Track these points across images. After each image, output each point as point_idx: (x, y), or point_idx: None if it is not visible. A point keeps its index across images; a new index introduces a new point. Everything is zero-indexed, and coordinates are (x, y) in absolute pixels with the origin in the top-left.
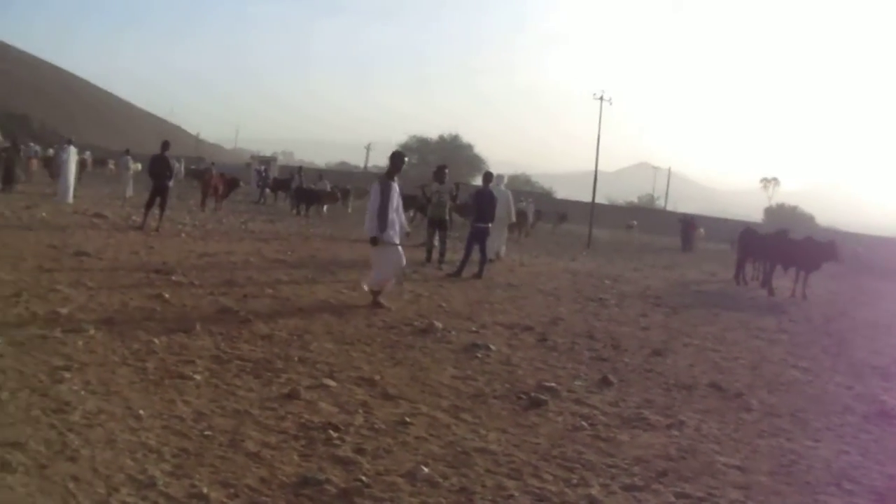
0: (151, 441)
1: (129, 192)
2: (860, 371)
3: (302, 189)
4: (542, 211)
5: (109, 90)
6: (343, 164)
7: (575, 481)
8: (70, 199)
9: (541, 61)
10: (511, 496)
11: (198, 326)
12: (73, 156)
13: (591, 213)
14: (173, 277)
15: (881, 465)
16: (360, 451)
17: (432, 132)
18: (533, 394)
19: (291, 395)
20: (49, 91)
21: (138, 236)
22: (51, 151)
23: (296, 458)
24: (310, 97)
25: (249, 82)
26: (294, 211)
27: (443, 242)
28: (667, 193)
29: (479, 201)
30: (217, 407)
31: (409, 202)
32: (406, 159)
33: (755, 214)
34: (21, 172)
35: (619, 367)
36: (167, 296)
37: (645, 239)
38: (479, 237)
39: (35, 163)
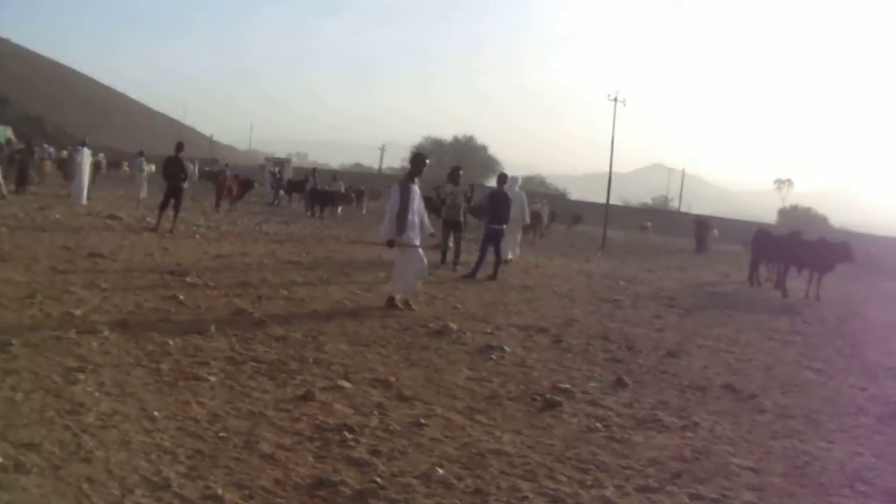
0: (166, 442)
1: (144, 193)
2: (874, 372)
3: (316, 190)
4: (556, 212)
5: (124, 92)
6: (357, 165)
7: (589, 483)
8: (84, 200)
9: (555, 62)
10: (526, 497)
11: (212, 328)
12: (87, 157)
13: (606, 214)
14: (188, 279)
15: (895, 467)
16: (375, 452)
17: (447, 133)
18: (548, 395)
19: (306, 397)
20: (63, 93)
21: (152, 238)
22: (65, 153)
23: (310, 459)
24: (324, 98)
25: (264, 83)
26: (308, 212)
27: (457, 244)
28: (681, 195)
29: (493, 203)
30: (232, 408)
31: (424, 203)
32: (427, 161)
33: (769, 215)
34: (35, 174)
35: (633, 369)
36: (182, 297)
37: (659, 240)
38: (493, 239)
39: (49, 164)
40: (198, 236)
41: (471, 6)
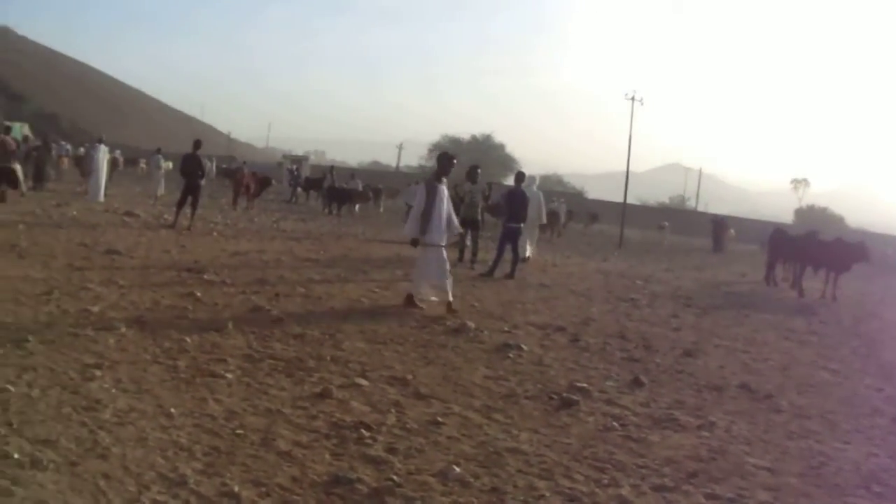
0: (183, 439)
1: (161, 190)
2: (890, 373)
3: (334, 188)
4: (573, 211)
5: (141, 89)
6: (375, 163)
7: (606, 482)
8: (101, 197)
9: (573, 61)
10: (542, 496)
11: (230, 325)
12: (104, 154)
13: (623, 213)
14: (205, 276)
15: None
16: (391, 450)
17: (464, 132)
18: (564, 394)
19: (323, 395)
20: (80, 90)
21: (170, 235)
22: (82, 150)
23: (327, 457)
24: (343, 96)
25: (282, 81)
26: (326, 210)
27: (475, 242)
28: (698, 194)
29: (511, 201)
30: (249, 406)
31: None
32: (454, 161)
33: (785, 215)
34: (52, 171)
35: (650, 368)
36: (199, 294)
37: (676, 240)
38: (511, 237)
39: (66, 161)
40: (215, 233)
41: (489, 5)
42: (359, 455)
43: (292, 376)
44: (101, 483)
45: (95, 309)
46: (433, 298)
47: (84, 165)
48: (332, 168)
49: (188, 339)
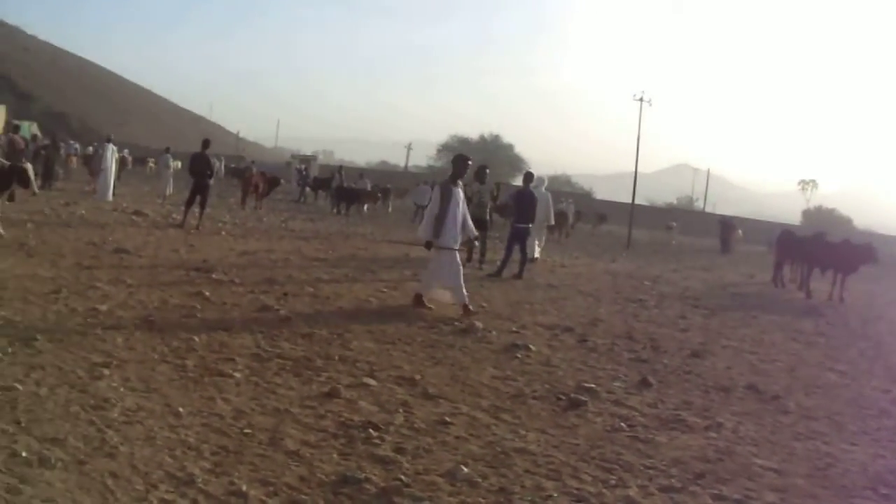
0: (191, 438)
1: (169, 189)
2: None
3: (342, 188)
4: (581, 212)
5: (150, 88)
6: (383, 163)
7: (613, 482)
8: (110, 196)
9: (581, 62)
10: (550, 497)
11: (238, 324)
12: (112, 153)
13: (631, 214)
14: (213, 275)
15: None
16: (399, 450)
17: (473, 132)
18: (572, 394)
19: (331, 394)
20: (88, 89)
21: (178, 234)
22: (90, 149)
23: (335, 456)
24: (351, 96)
25: (290, 81)
26: (334, 210)
27: (483, 243)
28: (705, 195)
29: (519, 202)
30: (257, 405)
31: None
32: (470, 162)
33: (793, 216)
34: (60, 170)
35: (657, 369)
36: (207, 294)
37: (684, 240)
38: (519, 237)
39: (74, 160)
40: (224, 233)
41: (496, 6)
42: (367, 455)
43: (300, 376)
44: (109, 482)
45: (104, 308)
46: (446, 300)
47: (93, 164)
48: (340, 168)
49: (196, 339)
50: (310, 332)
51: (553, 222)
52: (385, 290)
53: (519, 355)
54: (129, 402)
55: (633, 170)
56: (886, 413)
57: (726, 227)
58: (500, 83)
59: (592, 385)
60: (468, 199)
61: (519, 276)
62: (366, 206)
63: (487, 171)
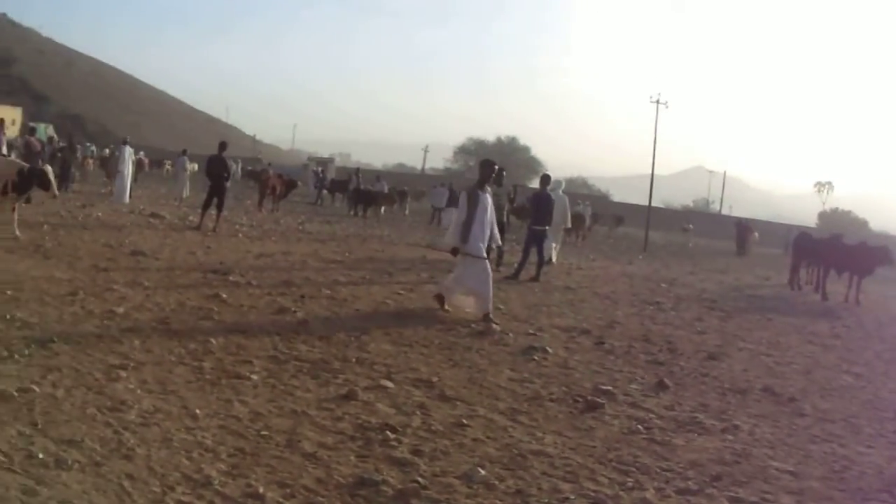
0: (208, 440)
1: (186, 192)
2: None
3: (359, 190)
4: (598, 214)
5: (166, 90)
6: (400, 165)
7: (630, 485)
8: (126, 199)
9: (598, 64)
10: (567, 499)
11: (255, 327)
12: (129, 156)
13: (648, 216)
14: (230, 277)
15: None
16: (417, 452)
17: (489, 134)
18: (589, 397)
19: (349, 396)
20: (105, 91)
21: (195, 236)
22: (107, 151)
23: (352, 458)
24: (368, 99)
25: (307, 83)
26: (351, 212)
27: (500, 245)
28: (722, 197)
29: (536, 204)
30: (274, 407)
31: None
32: (496, 167)
33: (809, 219)
34: (77, 172)
35: (674, 371)
36: (224, 296)
37: (700, 242)
38: (536, 240)
39: (91, 162)
40: (240, 235)
41: (509, 8)
42: (384, 457)
43: (318, 378)
44: (126, 484)
45: (121, 310)
46: (468, 309)
47: (110, 167)
48: (357, 170)
49: (213, 341)
50: (327, 334)
51: (570, 225)
52: (402, 292)
53: (536, 357)
54: (145, 404)
55: (650, 172)
56: None
57: (742, 230)
58: (517, 85)
59: (609, 387)
60: None
61: (536, 278)
62: (383, 209)
63: (504, 173)
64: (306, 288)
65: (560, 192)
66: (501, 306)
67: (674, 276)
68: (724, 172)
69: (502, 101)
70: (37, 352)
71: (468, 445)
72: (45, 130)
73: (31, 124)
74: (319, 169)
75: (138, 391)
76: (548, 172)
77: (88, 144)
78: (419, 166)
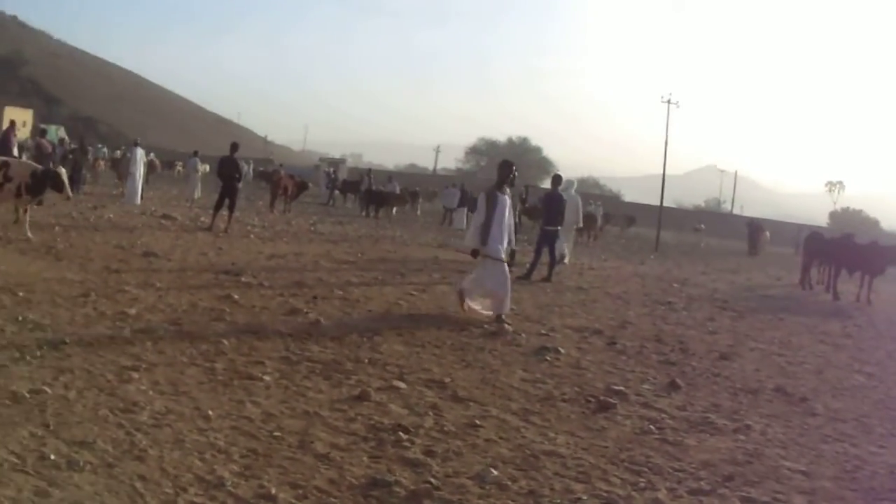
0: (220, 441)
1: (197, 193)
2: None
3: (371, 191)
4: (610, 214)
5: (178, 92)
6: (412, 166)
7: (642, 485)
8: (138, 200)
9: (609, 64)
10: (579, 499)
11: (267, 328)
12: (140, 157)
13: (659, 216)
14: (242, 278)
15: None
16: (429, 453)
17: (501, 135)
18: (602, 397)
19: (361, 397)
20: (116, 93)
21: (207, 237)
22: (118, 153)
23: (365, 459)
24: (379, 99)
25: (318, 84)
26: (363, 213)
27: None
28: (733, 197)
29: (548, 204)
30: (286, 408)
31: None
32: (515, 168)
33: (820, 218)
34: (88, 174)
35: (686, 371)
36: (236, 297)
37: (712, 242)
38: (548, 240)
39: (102, 164)
40: (252, 236)
41: (520, 9)
42: (396, 458)
43: (330, 379)
44: (138, 485)
45: (132, 311)
46: (485, 311)
47: (121, 168)
48: (369, 171)
49: (225, 342)
50: (339, 335)
51: (582, 224)
52: (414, 293)
53: (548, 358)
54: (158, 406)
55: (662, 172)
56: None
57: (754, 229)
58: (528, 86)
59: (621, 387)
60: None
61: (548, 278)
62: (394, 210)
63: (516, 173)
64: (318, 289)
65: (572, 191)
66: (514, 307)
67: (685, 275)
68: (736, 172)
69: (513, 102)
70: (49, 353)
71: (481, 446)
72: (56, 132)
73: (42, 126)
74: (331, 170)
75: (150, 392)
76: (559, 173)
77: (100, 146)
78: (431, 167)
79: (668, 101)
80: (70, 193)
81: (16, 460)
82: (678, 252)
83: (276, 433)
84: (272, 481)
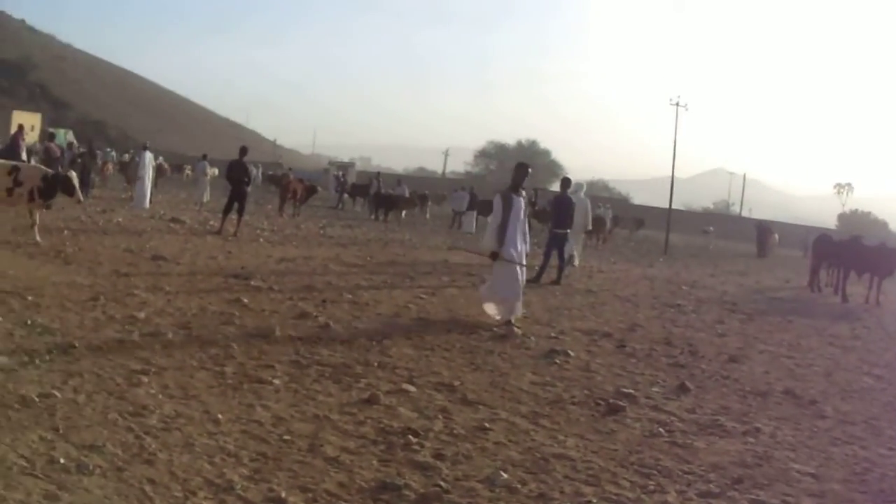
0: (229, 445)
1: (206, 197)
2: None
3: (380, 195)
4: (619, 217)
5: (186, 96)
6: (421, 169)
7: (652, 488)
8: (147, 204)
9: (617, 67)
10: (589, 502)
11: (277, 331)
12: (149, 161)
13: (668, 218)
14: (252, 282)
15: None
16: (439, 456)
17: (510, 138)
18: (611, 400)
19: (371, 400)
20: (125, 97)
21: (216, 241)
22: (126, 157)
23: (375, 463)
24: (388, 103)
25: (327, 89)
26: (372, 216)
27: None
28: (742, 199)
29: (557, 207)
30: (296, 411)
31: (487, 207)
32: (530, 170)
33: (829, 220)
34: (96, 177)
35: (696, 374)
36: (246, 300)
37: (720, 245)
38: (557, 243)
39: (110, 168)
40: (261, 240)
41: (530, 10)
42: (406, 461)
43: (340, 382)
44: (148, 488)
45: (142, 315)
46: (497, 317)
47: (130, 172)
48: (378, 174)
49: (235, 346)
50: (349, 338)
51: (591, 227)
52: (424, 296)
53: (558, 361)
54: (167, 409)
55: (670, 175)
56: None
57: (763, 232)
58: (536, 90)
59: (631, 390)
60: None
61: (557, 281)
62: (404, 213)
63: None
64: (328, 292)
65: (582, 194)
66: (523, 310)
67: (694, 278)
68: (744, 174)
69: (522, 105)
70: (58, 357)
71: (490, 449)
72: (65, 136)
73: (51, 130)
74: (340, 173)
75: (160, 396)
76: (568, 175)
77: (108, 150)
78: (440, 170)
79: (677, 104)
80: (81, 197)
81: (25, 464)
82: (687, 254)
83: (286, 437)
84: (282, 485)
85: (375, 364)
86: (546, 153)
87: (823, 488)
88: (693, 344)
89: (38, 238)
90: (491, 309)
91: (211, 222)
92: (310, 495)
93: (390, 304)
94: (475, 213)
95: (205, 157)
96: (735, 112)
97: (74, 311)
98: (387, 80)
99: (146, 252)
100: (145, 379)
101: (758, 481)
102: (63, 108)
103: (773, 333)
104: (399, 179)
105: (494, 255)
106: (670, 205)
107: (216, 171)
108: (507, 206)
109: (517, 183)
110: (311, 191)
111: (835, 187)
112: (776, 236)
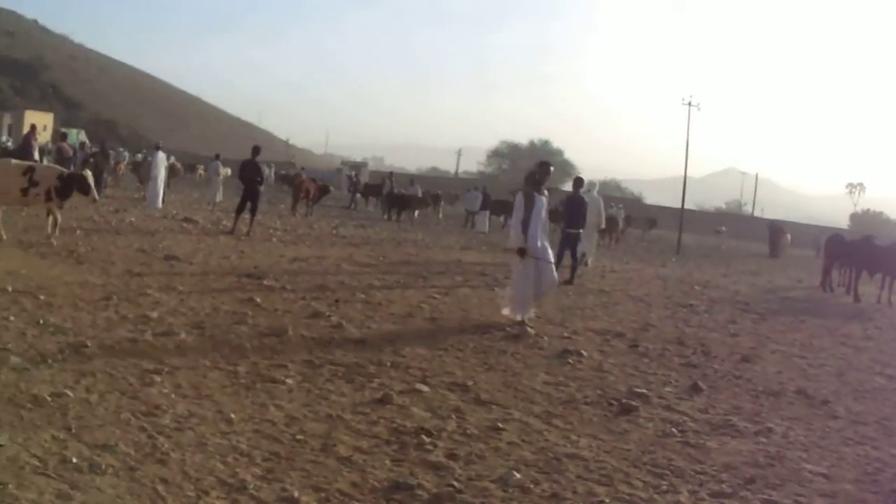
0: (242, 445)
1: (219, 196)
2: None
3: (393, 194)
4: (631, 217)
5: (199, 96)
6: (434, 169)
7: (664, 488)
8: (159, 204)
9: (631, 66)
10: (602, 502)
11: (289, 331)
12: (161, 161)
13: (681, 218)
14: (265, 282)
15: None
16: (452, 456)
17: (522, 138)
18: (624, 400)
19: (384, 400)
20: (137, 97)
21: (229, 241)
22: (139, 156)
23: (388, 462)
24: (400, 102)
25: (340, 88)
26: (385, 216)
27: None
28: (754, 199)
29: (570, 207)
30: (309, 411)
31: (500, 207)
32: (552, 169)
33: (841, 220)
34: (109, 177)
35: (708, 374)
36: (258, 300)
37: (733, 245)
38: (570, 243)
39: (123, 167)
40: (274, 239)
41: (537, 10)
42: (419, 461)
43: (353, 382)
44: (160, 488)
45: (154, 314)
46: (517, 316)
47: (142, 172)
48: (391, 174)
49: (248, 345)
50: (362, 338)
51: (604, 226)
52: (437, 296)
53: (570, 361)
54: (180, 409)
55: (683, 174)
56: None
57: (775, 232)
58: (549, 89)
59: (644, 390)
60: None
61: (570, 281)
62: (416, 213)
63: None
64: (340, 292)
65: (594, 194)
66: (535, 309)
67: (707, 278)
68: (757, 174)
69: (535, 105)
70: (70, 357)
71: (503, 449)
72: (77, 136)
73: (63, 130)
74: (353, 173)
75: (172, 396)
76: (580, 175)
77: (121, 149)
78: (452, 170)
79: (689, 104)
80: (96, 196)
81: (38, 463)
82: (699, 254)
83: (299, 436)
84: (294, 485)
85: (388, 364)
86: (559, 153)
87: (835, 488)
88: (705, 344)
89: (55, 238)
90: (506, 306)
91: (224, 222)
92: (322, 495)
93: (403, 304)
94: (488, 213)
95: (217, 156)
96: (747, 112)
97: (87, 311)
98: (400, 80)
99: (159, 252)
100: (158, 378)
101: (770, 481)
102: (75, 108)
103: (785, 333)
104: (412, 179)
105: (523, 252)
106: (682, 204)
107: (229, 170)
108: (530, 203)
109: (540, 181)
110: (323, 190)
111: (847, 187)
112: (788, 236)
